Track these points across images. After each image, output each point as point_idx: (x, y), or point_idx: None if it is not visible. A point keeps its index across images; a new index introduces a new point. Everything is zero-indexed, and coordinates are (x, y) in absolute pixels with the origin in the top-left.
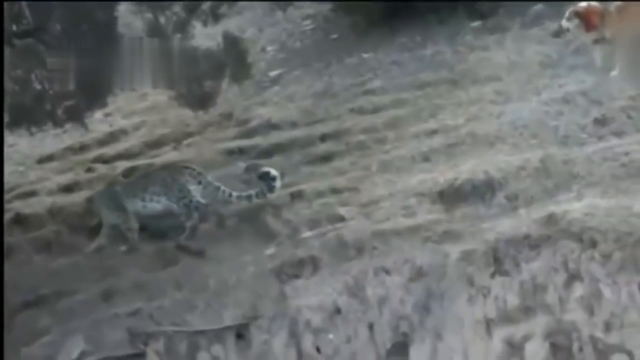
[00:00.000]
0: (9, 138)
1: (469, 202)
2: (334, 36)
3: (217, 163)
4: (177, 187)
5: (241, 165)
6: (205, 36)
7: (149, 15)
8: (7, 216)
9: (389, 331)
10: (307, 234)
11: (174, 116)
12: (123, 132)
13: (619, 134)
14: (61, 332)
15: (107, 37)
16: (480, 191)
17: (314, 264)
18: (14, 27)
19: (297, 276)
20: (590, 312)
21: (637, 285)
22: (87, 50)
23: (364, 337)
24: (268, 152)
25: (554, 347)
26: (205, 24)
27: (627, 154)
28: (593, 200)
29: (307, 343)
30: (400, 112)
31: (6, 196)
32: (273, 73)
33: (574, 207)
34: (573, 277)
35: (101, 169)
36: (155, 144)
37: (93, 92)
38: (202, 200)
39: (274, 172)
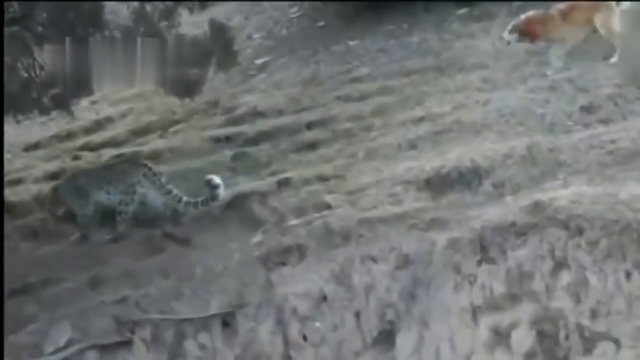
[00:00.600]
0: None
1: (456, 190)
2: (321, 24)
3: (203, 151)
4: (127, 184)
5: (228, 153)
6: (191, 24)
7: (136, 3)
8: None
9: (376, 319)
10: (293, 221)
11: (160, 104)
12: (109, 119)
13: (605, 121)
14: (48, 320)
15: (94, 24)
16: (466, 179)
17: (301, 251)
18: None
19: (283, 264)
20: (577, 299)
21: (624, 272)
22: (74, 38)
23: (350, 324)
24: (254, 140)
25: (541, 335)
26: (191, 11)
27: (613, 141)
28: (579, 188)
29: (294, 331)
30: (387, 99)
31: None
32: (259, 61)
33: (560, 194)
34: (559, 265)
35: (88, 156)
36: (142, 132)
37: (79, 80)
38: (154, 204)
39: (216, 180)
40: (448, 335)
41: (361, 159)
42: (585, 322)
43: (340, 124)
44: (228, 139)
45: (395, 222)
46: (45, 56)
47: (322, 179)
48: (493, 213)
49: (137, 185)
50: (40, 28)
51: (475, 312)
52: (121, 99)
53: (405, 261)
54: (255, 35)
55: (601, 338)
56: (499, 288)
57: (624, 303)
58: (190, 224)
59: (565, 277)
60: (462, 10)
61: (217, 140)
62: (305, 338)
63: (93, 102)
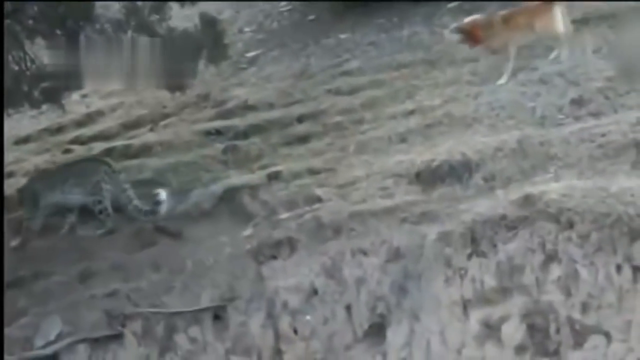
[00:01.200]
0: None
1: (446, 183)
2: (311, 17)
3: (194, 144)
4: (92, 183)
5: (218, 146)
6: (182, 17)
7: None
8: None
9: (366, 312)
10: (284, 215)
11: (151, 97)
12: (100, 113)
13: (596, 114)
14: (38, 314)
15: (85, 18)
16: (457, 172)
17: (291, 245)
18: None
19: (274, 257)
20: (568, 293)
21: (614, 266)
22: (64, 32)
23: (341, 318)
24: (245, 133)
25: (531, 328)
26: (182, 5)
27: (604, 135)
28: (570, 182)
29: (285, 324)
30: (377, 93)
31: None
32: (250, 54)
33: (551, 188)
34: (550, 258)
35: (78, 150)
36: (132, 125)
37: (70, 73)
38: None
39: (162, 196)
40: (439, 329)
41: (352, 153)
42: (576, 315)
43: (330, 117)
44: (219, 132)
45: (386, 215)
46: (36, 49)
47: (313, 172)
48: (484, 206)
49: (102, 182)
50: (31, 21)
51: (465, 306)
52: (111, 92)
53: (396, 254)
54: (246, 29)
55: (592, 331)
56: (490, 281)
57: (615, 296)
58: (180, 217)
59: (555, 271)
60: (453, 4)
61: (208, 133)
62: (296, 331)
63: (84, 96)
